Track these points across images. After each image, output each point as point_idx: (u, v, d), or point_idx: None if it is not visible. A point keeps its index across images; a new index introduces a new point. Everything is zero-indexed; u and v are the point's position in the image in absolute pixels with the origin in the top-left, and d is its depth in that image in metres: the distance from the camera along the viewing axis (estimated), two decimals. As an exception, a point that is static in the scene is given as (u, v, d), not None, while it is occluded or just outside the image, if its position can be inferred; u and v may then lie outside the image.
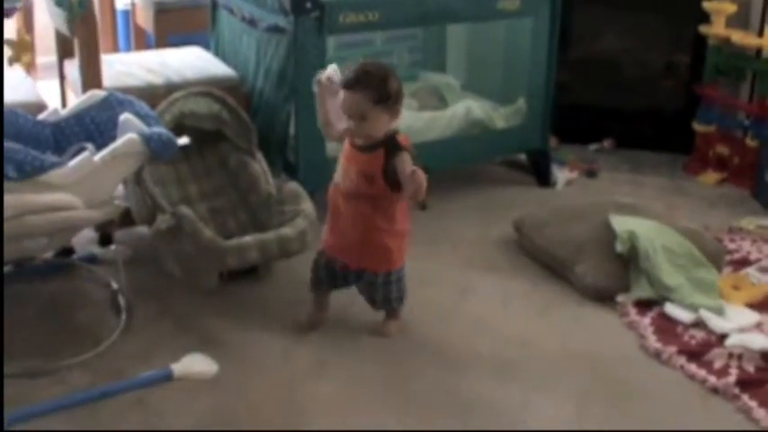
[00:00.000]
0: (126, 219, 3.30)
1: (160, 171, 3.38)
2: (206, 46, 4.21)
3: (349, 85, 2.63)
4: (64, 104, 3.82)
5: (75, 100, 3.29)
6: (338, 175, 2.79)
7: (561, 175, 4.43)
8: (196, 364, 2.82)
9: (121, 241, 3.53)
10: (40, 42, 4.27)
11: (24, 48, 3.24)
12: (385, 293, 2.88)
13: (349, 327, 3.02)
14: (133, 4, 5.04)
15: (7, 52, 3.31)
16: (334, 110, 2.76)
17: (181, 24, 4.67)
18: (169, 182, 3.42)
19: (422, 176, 2.51)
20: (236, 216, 3.42)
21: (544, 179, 4.35)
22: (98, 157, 2.76)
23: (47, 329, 3.02)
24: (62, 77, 3.79)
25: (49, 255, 3.33)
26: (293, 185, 3.28)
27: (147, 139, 2.80)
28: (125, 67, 3.63)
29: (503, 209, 3.97)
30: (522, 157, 4.46)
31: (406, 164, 2.61)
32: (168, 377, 2.76)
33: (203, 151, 3.51)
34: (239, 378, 2.78)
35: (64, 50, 3.74)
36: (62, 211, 2.67)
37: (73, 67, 3.60)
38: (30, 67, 3.46)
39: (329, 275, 2.91)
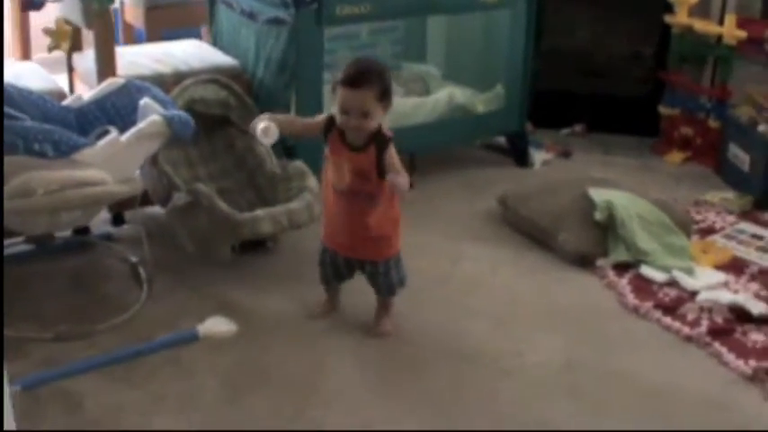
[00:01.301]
0: (136, 200, 3.52)
1: (172, 154, 3.61)
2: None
3: (352, 83, 2.66)
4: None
5: (86, 90, 3.50)
6: (330, 175, 2.86)
7: (538, 156, 4.73)
8: (218, 326, 3.07)
9: (133, 221, 3.76)
10: (34, 41, 4.50)
11: (63, 35, 3.46)
12: (387, 280, 2.96)
13: (359, 290, 3.19)
14: (122, 2, 5.24)
15: (47, 41, 3.54)
16: (289, 125, 2.95)
17: (171, 20, 4.87)
18: (180, 164, 3.66)
19: (404, 180, 2.71)
20: (244, 195, 3.66)
21: (522, 160, 4.65)
22: (125, 137, 3.01)
23: (74, 300, 3.26)
24: (70, 70, 4.00)
25: (67, 233, 3.56)
26: (298, 164, 3.54)
27: (169, 121, 3.05)
28: (133, 59, 3.87)
29: (485, 187, 4.26)
30: (502, 139, 4.75)
31: (394, 158, 2.76)
32: (194, 337, 3.02)
33: (210, 135, 3.75)
34: (259, 337, 3.04)
35: (73, 44, 3.95)
36: (96, 185, 2.92)
37: (83, 60, 3.82)
38: (69, 54, 3.68)
39: (334, 269, 3.02)
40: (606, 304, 3.34)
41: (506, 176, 4.44)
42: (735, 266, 3.64)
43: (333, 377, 2.83)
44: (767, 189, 4.29)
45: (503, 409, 2.72)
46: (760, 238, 3.93)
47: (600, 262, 3.60)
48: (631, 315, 3.28)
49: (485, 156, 4.74)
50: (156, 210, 3.66)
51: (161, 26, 4.79)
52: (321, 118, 2.87)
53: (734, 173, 4.53)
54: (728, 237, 3.93)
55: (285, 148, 3.82)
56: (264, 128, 2.70)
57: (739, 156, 4.50)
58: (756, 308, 3.27)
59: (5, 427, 1.35)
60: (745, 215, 4.18)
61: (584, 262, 3.59)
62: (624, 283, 3.46)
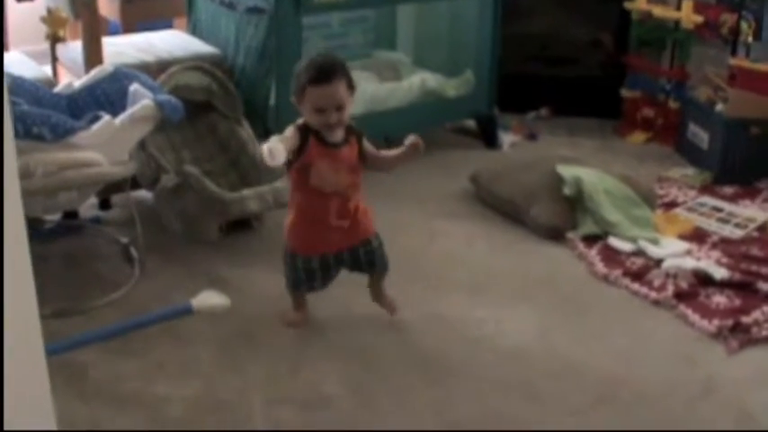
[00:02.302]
0: (127, 183, 3.64)
1: (157, 139, 3.74)
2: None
3: (324, 79, 2.66)
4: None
5: (72, 79, 3.63)
6: (318, 181, 2.79)
7: (506, 138, 4.92)
8: (211, 299, 3.22)
9: (120, 205, 3.89)
10: (14, 34, 4.63)
11: (60, 23, 3.60)
12: (382, 252, 2.99)
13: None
14: (96, -4, 5.35)
15: (25, 33, 3.66)
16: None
17: (147, 13, 4.99)
18: (165, 149, 3.80)
19: (419, 149, 2.87)
20: (228, 177, 3.81)
21: (491, 142, 4.83)
22: (118, 120, 3.15)
23: (69, 279, 3.39)
24: (54, 60, 4.13)
25: (57, 217, 3.69)
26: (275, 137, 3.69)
27: (160, 105, 3.20)
28: (116, 48, 4.00)
29: (457, 167, 4.43)
30: (471, 123, 4.92)
31: (368, 143, 2.88)
32: (189, 310, 3.16)
33: (193, 121, 3.88)
34: (251, 309, 3.20)
35: (56, 35, 4.08)
36: (92, 166, 3.06)
37: (67, 50, 3.95)
38: (64, 41, 3.81)
39: (324, 273, 2.97)
40: (577, 274, 3.52)
41: (477, 158, 4.61)
42: (697, 236, 3.84)
43: (322, 344, 2.98)
44: (725, 165, 4.49)
45: (484, 373, 2.88)
46: (719, 210, 4.14)
47: (570, 234, 3.78)
48: (601, 283, 3.46)
49: (455, 139, 4.91)
50: (143, 194, 3.79)
51: (137, 19, 4.90)
52: (293, 132, 2.75)
53: (694, 151, 4.74)
54: (690, 209, 4.13)
55: (266, 131, 3.97)
56: (270, 149, 2.57)
57: (698, 134, 4.71)
58: (718, 273, 3.47)
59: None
60: (705, 189, 4.39)
61: (555, 235, 3.77)
62: (594, 253, 3.65)
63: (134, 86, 3.32)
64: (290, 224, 2.93)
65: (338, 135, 2.78)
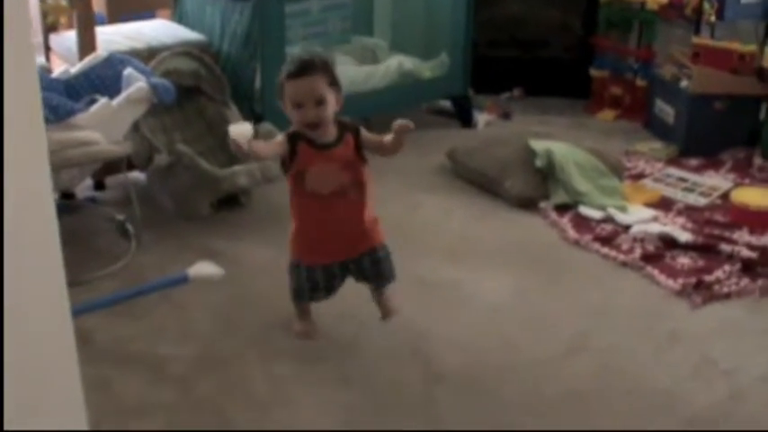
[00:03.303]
0: (124, 163, 3.83)
1: (148, 122, 3.92)
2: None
3: (300, 72, 2.58)
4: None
5: (67, 67, 3.80)
6: (313, 185, 2.70)
7: (481, 117, 5.14)
8: (206, 269, 3.41)
9: (113, 186, 4.08)
10: None
11: (61, 11, 3.78)
12: (389, 263, 2.89)
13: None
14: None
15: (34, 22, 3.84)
16: (263, 150, 2.75)
17: (132, 5, 5.16)
18: (157, 131, 3.98)
19: (405, 124, 2.68)
20: (216, 157, 3.99)
21: (467, 121, 5.05)
22: (115, 102, 3.34)
23: (70, 253, 3.51)
24: (47, 49, 4.31)
25: (55, 197, 3.87)
26: (267, 125, 3.88)
27: (154, 87, 3.39)
28: (107, 37, 4.17)
29: (434, 145, 4.64)
30: (446, 104, 5.13)
31: (368, 133, 2.76)
32: (185, 279, 3.35)
33: (182, 104, 4.05)
34: (244, 277, 3.39)
35: (48, 25, 4.26)
36: (92, 145, 3.25)
37: (62, 40, 4.13)
38: (57, 30, 3.99)
39: (327, 282, 2.87)
40: (550, 240, 3.74)
41: (453, 136, 4.82)
42: (663, 204, 4.06)
43: (313, 308, 3.16)
44: (690, 138, 4.72)
45: (465, 327, 3.09)
46: (685, 180, 4.36)
47: (542, 204, 4.00)
48: (573, 247, 3.67)
49: (432, 119, 5.12)
50: (135, 175, 3.98)
51: (122, 11, 5.07)
52: (281, 138, 2.72)
53: (660, 126, 4.96)
54: (657, 180, 4.35)
55: (253, 114, 4.16)
56: (236, 126, 2.61)
57: (665, 110, 4.93)
58: (683, 236, 3.69)
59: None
60: (671, 162, 4.62)
61: (529, 205, 3.99)
62: (565, 221, 3.86)
63: (128, 71, 3.50)
64: (293, 233, 2.82)
65: (329, 135, 2.67)
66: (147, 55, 4.01)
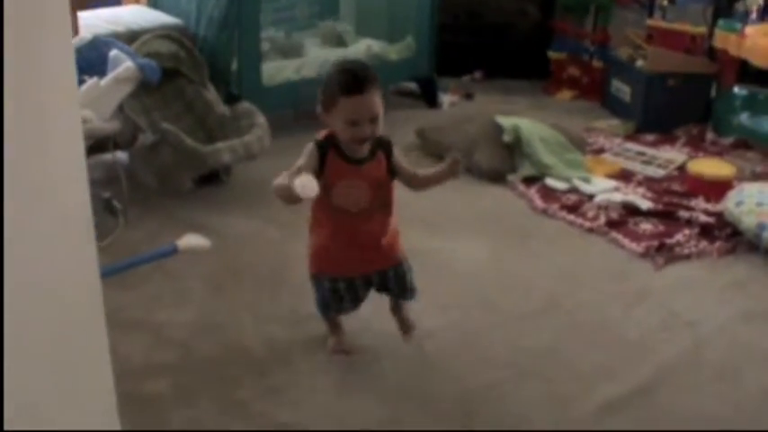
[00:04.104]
0: (111, 141, 3.96)
1: (130, 104, 4.04)
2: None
3: (359, 89, 2.38)
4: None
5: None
6: (339, 201, 2.53)
7: (445, 98, 5.35)
8: (194, 240, 3.53)
9: (94, 166, 4.20)
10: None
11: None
12: (411, 276, 2.78)
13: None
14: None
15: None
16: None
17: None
18: (138, 112, 4.11)
19: (458, 169, 2.59)
20: (196, 135, 4.11)
21: (432, 101, 5.26)
22: (103, 82, 3.48)
23: (59, 231, 3.69)
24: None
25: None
26: (246, 104, 4.05)
27: (140, 67, 3.53)
28: (87, 21, 4.29)
29: (402, 124, 4.81)
30: (412, 86, 5.33)
31: (400, 157, 2.62)
32: (174, 250, 3.47)
33: (162, 86, 4.17)
34: (231, 248, 3.54)
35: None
36: (84, 123, 3.38)
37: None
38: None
39: (352, 295, 2.75)
40: (519, 209, 3.95)
41: (420, 115, 5.02)
42: (623, 176, 4.28)
43: (298, 272, 3.32)
44: (646, 114, 4.96)
45: (444, 291, 3.27)
46: (643, 154, 4.58)
47: (510, 177, 4.20)
48: (541, 216, 3.88)
49: (399, 100, 5.32)
50: (118, 155, 4.11)
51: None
52: (311, 151, 2.49)
53: (617, 104, 5.19)
54: (617, 154, 4.57)
55: (229, 95, 4.32)
56: (303, 184, 2.33)
57: (621, 89, 5.16)
58: (644, 204, 3.91)
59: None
60: (629, 137, 4.85)
61: (497, 178, 4.19)
62: (533, 192, 4.07)
63: (114, 52, 3.64)
64: (314, 246, 2.68)
65: (364, 150, 2.49)
66: (127, 38, 4.14)
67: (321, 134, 2.51)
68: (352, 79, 2.38)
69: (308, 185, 2.32)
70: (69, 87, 1.71)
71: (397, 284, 2.74)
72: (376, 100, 2.40)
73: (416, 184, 2.63)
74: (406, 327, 2.86)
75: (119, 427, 2.12)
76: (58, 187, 1.73)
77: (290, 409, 2.61)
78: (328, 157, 2.47)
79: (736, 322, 3.12)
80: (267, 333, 2.99)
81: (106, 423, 2.07)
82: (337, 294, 2.71)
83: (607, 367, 2.84)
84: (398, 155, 2.59)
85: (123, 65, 3.49)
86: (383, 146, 2.54)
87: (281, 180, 2.40)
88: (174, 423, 2.54)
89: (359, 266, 2.68)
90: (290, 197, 2.34)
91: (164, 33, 4.11)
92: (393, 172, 2.58)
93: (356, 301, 2.76)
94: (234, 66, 4.34)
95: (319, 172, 2.45)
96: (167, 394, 2.67)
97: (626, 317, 3.13)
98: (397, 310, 2.87)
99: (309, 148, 2.48)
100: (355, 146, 2.47)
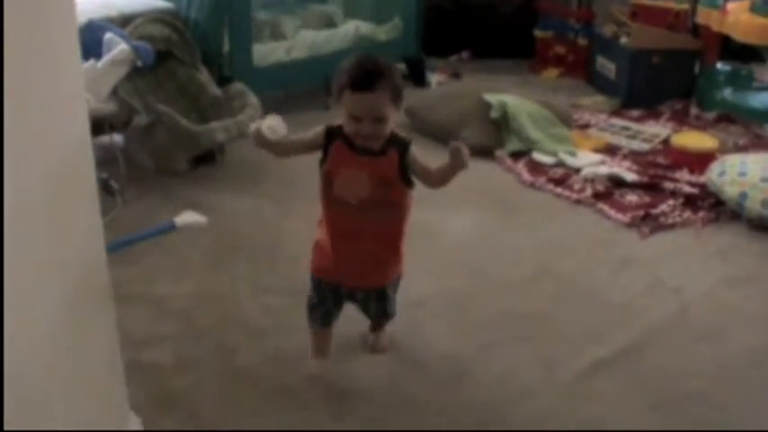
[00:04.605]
0: (106, 123, 4.03)
1: (125, 87, 4.11)
2: None
3: (363, 86, 2.26)
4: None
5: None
6: (338, 190, 2.42)
7: (433, 77, 5.44)
8: (191, 217, 3.64)
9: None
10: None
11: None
12: (392, 303, 2.68)
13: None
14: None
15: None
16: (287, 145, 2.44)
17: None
18: (132, 94, 4.18)
19: (464, 150, 2.36)
20: (189, 117, 4.19)
21: (420, 81, 5.35)
22: (100, 64, 3.56)
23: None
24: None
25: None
26: (238, 85, 4.13)
27: (135, 49, 3.61)
28: (81, 6, 4.34)
29: (393, 104, 4.91)
30: (400, 66, 5.40)
31: (419, 158, 2.46)
32: (172, 227, 3.58)
33: (155, 69, 4.24)
34: (227, 224, 3.63)
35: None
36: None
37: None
38: None
39: (335, 302, 2.64)
40: (507, 183, 4.05)
41: (408, 94, 4.95)
42: (609, 150, 4.38)
43: (293, 246, 3.42)
44: (631, 91, 5.06)
45: (437, 259, 3.37)
46: (628, 129, 4.68)
47: (498, 152, 4.29)
48: (529, 189, 3.99)
49: (387, 80, 5.38)
50: (114, 137, 4.19)
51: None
52: (318, 130, 2.44)
53: (602, 81, 5.29)
54: (602, 129, 4.67)
55: (221, 77, 4.40)
56: (270, 125, 2.33)
57: (606, 66, 5.25)
58: (629, 177, 4.00)
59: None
60: (614, 113, 4.95)
61: (485, 153, 4.28)
62: (520, 166, 4.16)
63: (108, 35, 3.72)
64: (316, 243, 2.59)
65: (374, 145, 2.37)
66: (120, 22, 4.20)
67: (337, 122, 2.40)
68: (361, 75, 2.28)
69: (274, 126, 2.32)
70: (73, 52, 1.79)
71: (378, 309, 2.64)
72: (383, 100, 2.28)
73: (433, 180, 2.45)
74: (376, 347, 2.77)
75: (126, 397, 2.22)
76: (64, 164, 1.82)
77: (289, 375, 2.69)
78: (335, 144, 2.39)
79: (719, 287, 3.21)
80: (265, 303, 3.07)
81: (115, 393, 2.17)
82: (321, 294, 2.61)
83: (595, 330, 2.93)
84: (417, 155, 2.43)
85: (118, 47, 3.57)
86: (398, 145, 2.39)
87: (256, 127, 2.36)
88: (175, 389, 2.62)
89: (347, 274, 2.55)
90: (263, 141, 2.34)
91: (156, 17, 4.18)
92: (407, 177, 2.42)
93: (340, 306, 2.66)
94: (225, 48, 4.41)
95: (323, 158, 2.42)
96: (169, 362, 2.76)
97: (613, 283, 3.22)
98: (375, 332, 2.78)
99: (319, 128, 2.43)
100: (362, 141, 2.34)
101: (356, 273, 2.53)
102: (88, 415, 2.00)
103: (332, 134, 2.40)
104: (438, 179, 2.43)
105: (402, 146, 2.40)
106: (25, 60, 1.58)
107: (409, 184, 2.43)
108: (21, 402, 1.55)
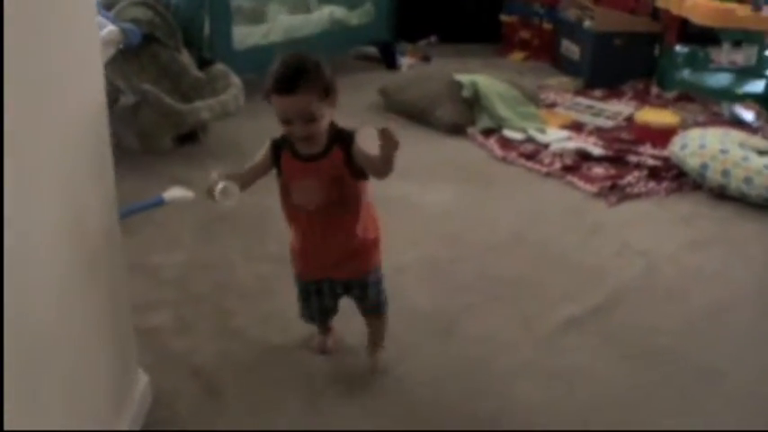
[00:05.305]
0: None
1: (108, 69, 4.25)
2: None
3: (286, 89, 2.18)
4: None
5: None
6: (295, 199, 2.40)
7: (404, 61, 5.62)
8: (179, 192, 3.77)
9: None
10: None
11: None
12: (377, 291, 2.58)
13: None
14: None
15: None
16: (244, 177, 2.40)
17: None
18: (116, 77, 4.32)
19: (393, 133, 2.20)
20: (172, 98, 4.31)
21: (392, 64, 5.54)
22: (89, 45, 3.69)
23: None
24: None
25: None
26: (220, 66, 4.29)
27: (123, 30, 3.75)
28: (62, -8, 4.50)
29: (365, 85, 5.10)
30: (371, 50, 5.60)
31: (365, 143, 2.29)
32: (161, 202, 3.72)
33: (138, 52, 4.39)
34: (214, 198, 3.78)
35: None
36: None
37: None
38: None
39: (319, 302, 2.62)
40: (480, 158, 4.24)
41: (381, 77, 5.29)
42: (575, 126, 4.58)
43: (280, 220, 3.56)
44: (594, 71, 5.27)
45: (417, 229, 3.54)
46: (592, 107, 4.89)
47: (470, 130, 4.49)
48: (501, 163, 4.18)
49: (360, 64, 5.62)
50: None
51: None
52: (264, 151, 2.42)
53: (567, 63, 5.50)
54: (568, 108, 4.88)
55: (202, 60, 4.54)
56: (222, 189, 2.29)
57: (570, 48, 5.46)
58: (596, 151, 4.20)
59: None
60: (578, 93, 5.17)
61: (458, 131, 4.48)
62: (492, 142, 4.35)
63: (96, 18, 3.84)
64: (290, 246, 2.58)
65: (317, 145, 2.30)
66: (104, 5, 4.32)
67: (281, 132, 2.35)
68: (283, 78, 2.18)
69: (229, 190, 2.27)
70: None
71: (360, 295, 2.56)
72: (309, 100, 2.18)
73: (377, 168, 2.29)
74: (373, 368, 2.68)
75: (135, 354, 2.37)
76: (81, 125, 1.97)
77: (282, 334, 2.85)
78: (283, 156, 2.36)
79: (683, 250, 3.42)
80: (257, 270, 3.22)
81: (125, 352, 2.32)
82: (305, 295, 2.61)
83: (568, 290, 3.11)
84: (360, 146, 2.28)
85: (106, 28, 3.70)
86: (341, 140, 2.30)
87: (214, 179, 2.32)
88: (177, 349, 2.77)
89: (320, 268, 2.52)
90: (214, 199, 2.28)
91: (139, 0, 4.31)
92: (357, 170, 2.32)
93: (324, 310, 2.65)
94: (206, 31, 4.55)
95: (278, 171, 2.39)
96: (168, 326, 2.91)
97: (584, 247, 3.42)
98: (371, 350, 2.70)
99: (265, 146, 2.40)
100: (301, 143, 2.30)
101: (328, 264, 2.49)
102: (102, 371, 2.15)
103: (278, 146, 2.37)
104: (381, 166, 2.26)
105: (345, 140, 2.29)
106: (42, 23, 1.67)
107: (360, 176, 2.34)
108: (30, 354, 1.62)
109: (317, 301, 2.60)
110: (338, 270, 2.50)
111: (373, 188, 2.96)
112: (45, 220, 1.71)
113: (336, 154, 2.30)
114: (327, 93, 2.22)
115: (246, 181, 2.38)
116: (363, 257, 2.50)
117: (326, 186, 2.32)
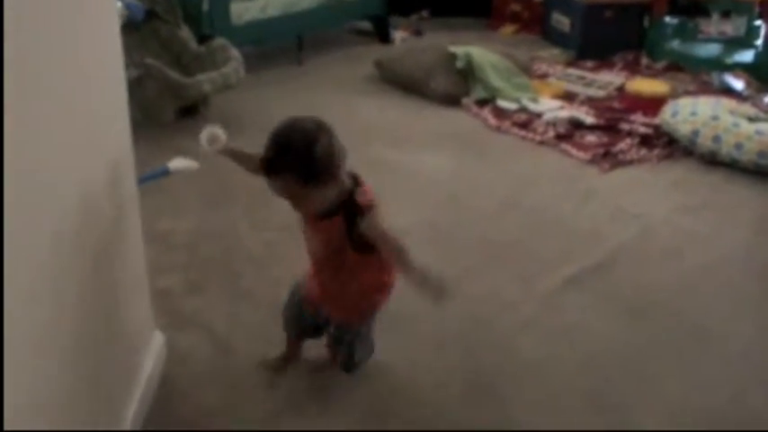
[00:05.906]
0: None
1: (109, 43, 4.35)
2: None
3: (270, 170, 2.07)
4: None
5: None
6: (306, 242, 2.30)
7: (397, 34, 5.71)
8: (183, 162, 3.87)
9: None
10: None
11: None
12: (353, 349, 2.43)
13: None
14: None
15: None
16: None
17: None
18: (118, 51, 4.41)
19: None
20: (173, 71, 4.44)
21: (385, 38, 5.63)
22: (94, 19, 3.77)
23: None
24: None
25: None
26: (220, 40, 4.37)
27: (126, 6, 3.83)
28: (63, -32, 4.57)
29: (360, 58, 5.22)
30: (365, 25, 5.69)
31: (373, 228, 2.10)
32: (166, 172, 3.81)
33: (139, 27, 4.47)
34: (218, 169, 3.83)
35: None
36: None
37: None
38: None
39: (311, 320, 2.49)
40: (475, 127, 4.35)
41: (375, 50, 5.39)
42: (567, 96, 4.69)
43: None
44: (585, 43, 5.38)
45: (415, 195, 3.64)
46: (583, 78, 4.99)
47: (465, 100, 4.59)
48: (495, 132, 4.28)
49: (355, 38, 5.72)
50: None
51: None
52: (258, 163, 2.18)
53: (558, 35, 5.59)
54: (560, 78, 4.98)
55: (200, 35, 4.62)
56: (209, 134, 2.33)
57: (561, 20, 5.55)
58: (588, 120, 4.31)
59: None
60: (570, 64, 5.26)
61: (452, 101, 4.59)
62: (486, 112, 4.46)
63: (99, -7, 3.92)
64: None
65: (321, 207, 2.14)
66: (103, -16, 4.40)
67: None
68: (266, 156, 2.07)
69: (213, 137, 2.32)
70: None
71: (334, 342, 2.44)
72: (289, 183, 2.05)
73: (388, 257, 2.16)
74: (312, 365, 2.60)
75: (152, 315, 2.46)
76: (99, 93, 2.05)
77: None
78: None
79: (676, 213, 3.53)
80: (263, 237, 3.32)
81: (143, 311, 2.41)
82: (292, 300, 2.51)
83: (566, 252, 3.22)
84: (377, 224, 2.10)
85: (111, 3, 3.77)
86: (346, 211, 2.12)
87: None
88: (189, 310, 2.87)
89: (317, 299, 2.41)
90: (204, 151, 2.29)
91: (138, -24, 4.39)
92: (359, 243, 2.14)
93: (300, 331, 2.55)
94: (205, 7, 4.62)
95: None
96: (179, 288, 3.00)
97: (579, 212, 3.53)
98: (329, 349, 2.51)
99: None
100: None
101: (324, 301, 2.39)
102: (122, 330, 2.24)
103: None
104: (394, 262, 2.16)
105: (351, 213, 2.11)
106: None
107: (364, 250, 2.14)
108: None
109: (297, 307, 2.49)
110: (324, 303, 2.40)
111: (370, 155, 3.05)
112: (64, 187, 1.76)
113: (336, 221, 2.13)
114: (313, 178, 2.04)
115: (235, 155, 2.40)
116: (349, 312, 2.39)
117: (324, 245, 2.21)
